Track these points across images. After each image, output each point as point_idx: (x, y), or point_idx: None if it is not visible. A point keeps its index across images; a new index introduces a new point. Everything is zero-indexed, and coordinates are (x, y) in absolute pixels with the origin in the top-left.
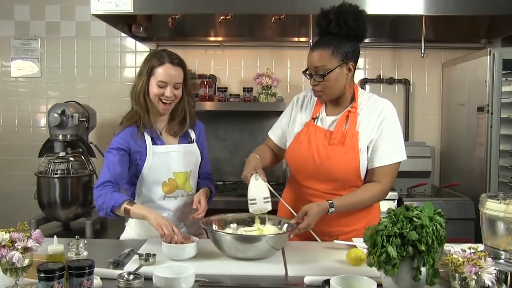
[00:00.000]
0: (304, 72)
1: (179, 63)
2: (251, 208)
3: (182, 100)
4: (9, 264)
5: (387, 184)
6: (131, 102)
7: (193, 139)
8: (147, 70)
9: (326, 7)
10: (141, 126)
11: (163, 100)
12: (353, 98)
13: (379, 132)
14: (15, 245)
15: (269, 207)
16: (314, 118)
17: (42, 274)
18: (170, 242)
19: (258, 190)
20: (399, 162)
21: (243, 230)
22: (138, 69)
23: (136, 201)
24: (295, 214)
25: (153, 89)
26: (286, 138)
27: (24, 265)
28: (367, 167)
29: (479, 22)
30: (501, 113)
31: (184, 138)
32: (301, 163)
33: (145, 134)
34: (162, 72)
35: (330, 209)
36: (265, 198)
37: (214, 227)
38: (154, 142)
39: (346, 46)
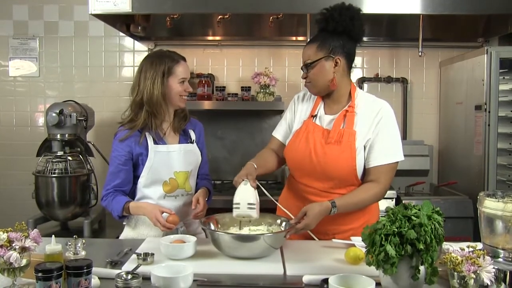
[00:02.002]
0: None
1: (184, 58)
2: (234, 213)
3: None
4: (7, 264)
5: (385, 183)
6: (132, 107)
7: (194, 140)
8: (163, 72)
9: (323, 5)
10: (152, 126)
11: (183, 96)
12: (350, 97)
13: (376, 132)
14: (13, 245)
15: (253, 214)
16: (313, 116)
17: (39, 274)
18: (169, 229)
19: (244, 195)
20: (397, 162)
21: (241, 230)
22: (137, 69)
23: (136, 199)
24: (292, 217)
25: (175, 87)
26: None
27: (22, 265)
28: (364, 166)
29: (476, 21)
30: (499, 112)
31: (185, 138)
32: (298, 160)
33: (147, 134)
34: (181, 69)
35: (332, 209)
36: (249, 204)
37: (212, 226)
38: (155, 142)
39: (334, 40)
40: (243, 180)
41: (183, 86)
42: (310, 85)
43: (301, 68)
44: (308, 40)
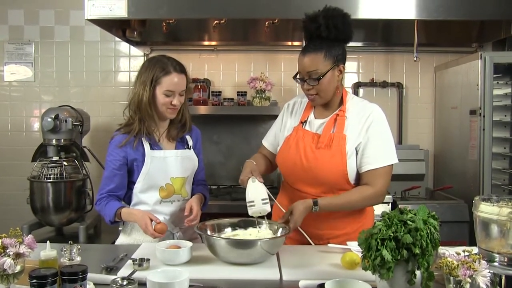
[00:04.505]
0: (294, 77)
1: (182, 69)
2: (250, 211)
3: (183, 104)
4: (0, 270)
5: (380, 187)
6: (130, 111)
7: (190, 146)
8: (152, 79)
9: (310, 11)
10: (144, 132)
11: (170, 109)
12: (341, 102)
13: (368, 136)
14: (7, 251)
15: (268, 208)
16: (302, 122)
17: (34, 280)
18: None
19: (256, 192)
20: (391, 165)
21: (236, 234)
22: (132, 74)
23: (132, 204)
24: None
25: (160, 98)
26: (279, 143)
27: (16, 271)
28: (357, 171)
29: (470, 27)
30: (493, 116)
31: (181, 144)
32: (290, 166)
33: (143, 140)
34: (169, 81)
35: (314, 207)
36: (263, 199)
37: (209, 232)
38: (152, 148)
39: (336, 49)
40: (249, 178)
41: (168, 98)
42: (317, 97)
43: (300, 79)
44: (303, 46)
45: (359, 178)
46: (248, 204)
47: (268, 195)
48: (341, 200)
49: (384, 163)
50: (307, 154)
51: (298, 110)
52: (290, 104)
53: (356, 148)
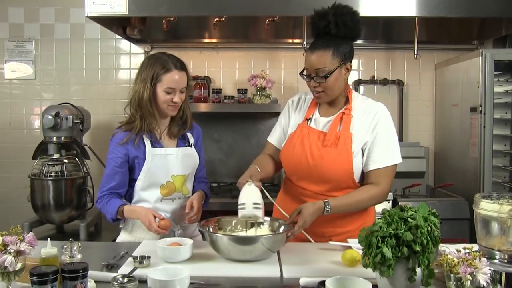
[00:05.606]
0: (301, 73)
1: (183, 66)
2: (240, 213)
3: (183, 102)
4: (1, 268)
5: (385, 185)
6: (131, 109)
7: (191, 143)
8: (152, 76)
9: (319, 8)
10: (145, 129)
11: (171, 106)
12: (347, 100)
13: (374, 135)
14: (8, 248)
15: (259, 213)
16: (307, 119)
17: (35, 278)
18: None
19: (249, 195)
20: (395, 165)
21: (241, 232)
22: (133, 71)
23: (133, 202)
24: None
25: (161, 96)
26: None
27: (17, 269)
28: (362, 170)
29: (471, 24)
30: (494, 113)
31: (182, 142)
32: (294, 164)
33: (144, 137)
34: (169, 79)
35: (326, 208)
36: (255, 203)
37: (211, 229)
38: (153, 145)
39: (344, 46)
40: (247, 181)
41: (169, 95)
42: (323, 94)
43: (307, 76)
44: (305, 43)
45: (364, 177)
46: (239, 206)
47: (267, 197)
48: (349, 199)
49: (390, 163)
50: (312, 152)
51: (302, 106)
52: (294, 101)
53: (362, 148)
